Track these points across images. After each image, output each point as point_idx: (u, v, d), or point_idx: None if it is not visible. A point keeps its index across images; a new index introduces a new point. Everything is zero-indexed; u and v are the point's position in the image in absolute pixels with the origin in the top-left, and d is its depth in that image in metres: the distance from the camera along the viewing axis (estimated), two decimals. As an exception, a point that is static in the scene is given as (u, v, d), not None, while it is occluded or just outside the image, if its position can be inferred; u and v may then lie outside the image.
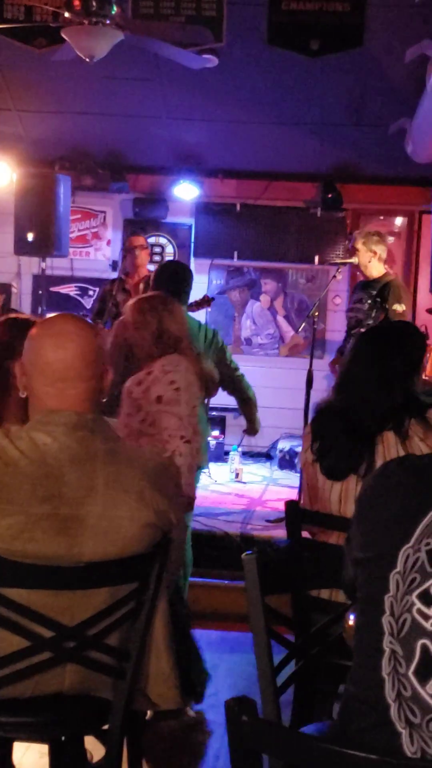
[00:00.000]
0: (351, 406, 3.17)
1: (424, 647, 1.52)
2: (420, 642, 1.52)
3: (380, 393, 3.13)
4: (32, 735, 2.44)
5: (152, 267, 8.36)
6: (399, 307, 6.63)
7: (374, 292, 6.73)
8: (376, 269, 6.83)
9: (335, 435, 3.15)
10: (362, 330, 6.69)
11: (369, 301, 6.71)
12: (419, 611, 1.53)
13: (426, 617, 1.53)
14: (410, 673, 1.52)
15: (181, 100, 7.75)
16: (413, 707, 1.51)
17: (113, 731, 2.35)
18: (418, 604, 1.54)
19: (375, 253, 6.82)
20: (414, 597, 1.54)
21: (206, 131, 8.30)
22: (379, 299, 6.68)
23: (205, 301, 7.09)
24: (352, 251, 6.88)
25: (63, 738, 2.49)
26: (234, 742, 1.53)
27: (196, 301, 7.12)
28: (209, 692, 4.27)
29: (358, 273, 7.12)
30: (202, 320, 9.05)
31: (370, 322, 6.60)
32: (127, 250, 7.70)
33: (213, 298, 7.27)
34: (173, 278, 5.33)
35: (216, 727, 3.89)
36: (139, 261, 7.52)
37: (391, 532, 1.62)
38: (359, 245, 6.79)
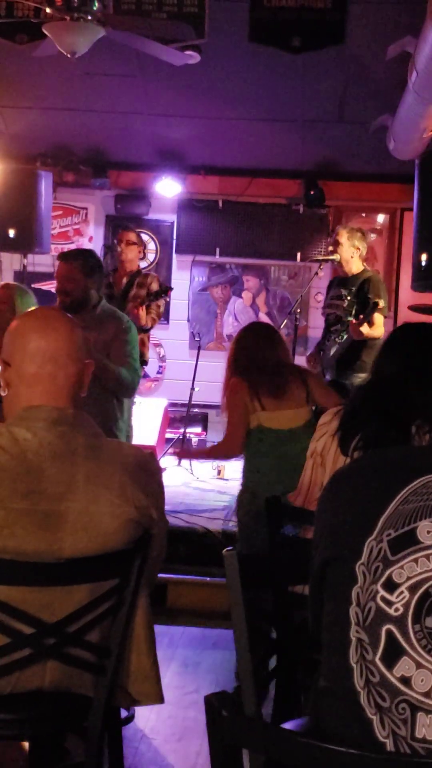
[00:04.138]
0: (385, 402, 2.96)
1: (389, 633, 1.55)
2: (385, 628, 1.55)
3: (415, 390, 2.89)
4: (12, 732, 2.43)
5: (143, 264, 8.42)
6: (380, 302, 6.61)
7: (354, 288, 6.73)
8: (356, 265, 6.83)
9: (369, 424, 2.93)
10: (341, 326, 6.68)
11: (348, 297, 6.71)
12: (383, 598, 1.57)
13: (389, 603, 1.56)
14: (377, 659, 1.55)
15: (163, 96, 7.73)
16: (381, 692, 1.54)
17: (94, 728, 2.34)
18: (382, 592, 1.57)
19: (358, 249, 6.82)
20: (378, 586, 1.58)
21: (188, 127, 8.29)
22: (360, 295, 6.67)
23: (163, 291, 7.07)
24: (335, 245, 6.86)
25: (43, 735, 2.48)
26: (214, 738, 1.53)
27: (154, 292, 7.11)
28: (191, 689, 4.28)
29: (336, 269, 7.12)
30: (185, 316, 9.15)
31: (350, 318, 6.59)
32: (113, 245, 7.71)
33: (171, 288, 7.28)
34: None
35: (197, 723, 3.89)
36: (123, 256, 7.50)
37: (356, 526, 1.65)
38: (343, 239, 6.79)
